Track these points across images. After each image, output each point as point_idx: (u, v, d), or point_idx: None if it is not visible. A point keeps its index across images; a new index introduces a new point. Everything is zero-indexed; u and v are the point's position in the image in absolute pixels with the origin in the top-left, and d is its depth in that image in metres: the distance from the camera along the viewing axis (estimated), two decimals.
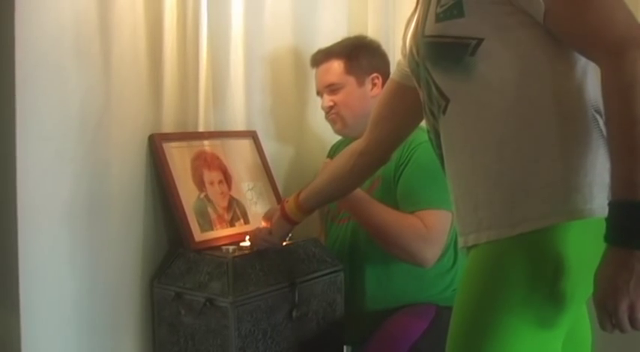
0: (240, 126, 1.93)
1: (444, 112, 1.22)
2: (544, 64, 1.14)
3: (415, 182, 1.80)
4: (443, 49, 1.19)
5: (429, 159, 1.81)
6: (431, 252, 1.75)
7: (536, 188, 1.13)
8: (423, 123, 1.95)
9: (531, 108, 1.14)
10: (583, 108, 1.13)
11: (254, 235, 1.72)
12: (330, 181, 1.62)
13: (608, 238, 1.03)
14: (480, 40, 1.14)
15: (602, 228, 1.04)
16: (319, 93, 1.98)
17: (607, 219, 1.04)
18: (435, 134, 1.29)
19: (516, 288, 1.12)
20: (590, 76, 1.15)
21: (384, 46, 2.02)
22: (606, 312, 1.03)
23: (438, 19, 1.18)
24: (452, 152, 1.25)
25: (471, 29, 1.15)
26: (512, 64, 1.14)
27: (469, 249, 1.22)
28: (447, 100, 1.20)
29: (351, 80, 1.92)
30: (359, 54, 1.94)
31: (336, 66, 1.93)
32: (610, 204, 1.03)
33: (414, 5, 1.32)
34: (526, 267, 1.12)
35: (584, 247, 1.11)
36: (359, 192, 1.77)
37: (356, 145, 1.58)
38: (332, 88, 1.93)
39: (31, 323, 1.41)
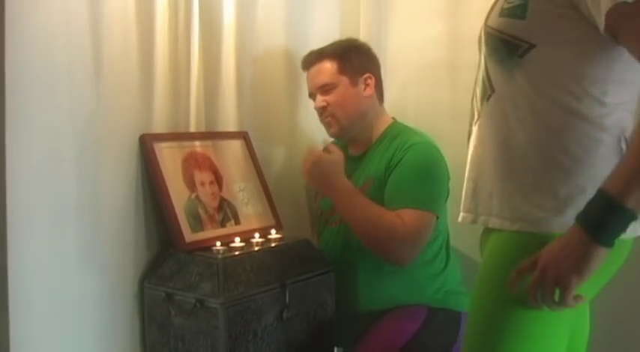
0: (231, 126, 1.93)
1: (487, 100, 1.28)
2: (581, 87, 1.18)
3: (403, 181, 1.80)
4: (498, 42, 1.25)
5: (420, 161, 1.82)
6: (406, 252, 1.74)
7: (542, 195, 1.20)
8: (416, 127, 1.97)
9: (557, 124, 1.19)
10: (608, 133, 1.18)
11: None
12: None
13: (579, 217, 1.08)
14: (532, 46, 1.20)
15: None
16: (311, 95, 1.98)
17: (588, 202, 1.08)
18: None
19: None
20: (622, 111, 1.20)
21: (376, 49, 2.03)
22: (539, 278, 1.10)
23: (502, 13, 1.24)
24: (481, 137, 1.31)
25: (526, 33, 1.20)
26: (552, 77, 1.20)
27: (489, 230, 1.30)
28: (493, 90, 1.27)
29: (344, 80, 1.93)
30: (351, 54, 1.94)
31: (329, 66, 1.93)
32: (598, 190, 1.07)
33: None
34: None
35: None
36: (347, 183, 1.77)
37: None
38: (325, 89, 1.93)
39: (20, 323, 1.41)
